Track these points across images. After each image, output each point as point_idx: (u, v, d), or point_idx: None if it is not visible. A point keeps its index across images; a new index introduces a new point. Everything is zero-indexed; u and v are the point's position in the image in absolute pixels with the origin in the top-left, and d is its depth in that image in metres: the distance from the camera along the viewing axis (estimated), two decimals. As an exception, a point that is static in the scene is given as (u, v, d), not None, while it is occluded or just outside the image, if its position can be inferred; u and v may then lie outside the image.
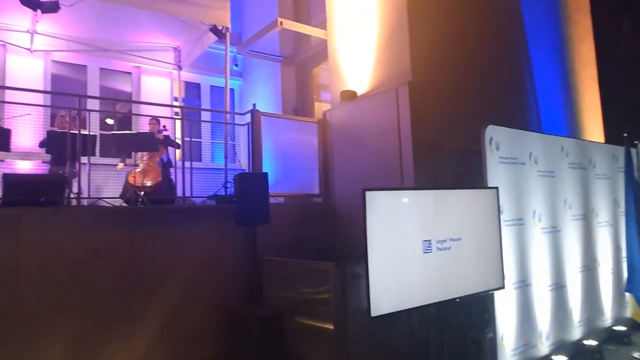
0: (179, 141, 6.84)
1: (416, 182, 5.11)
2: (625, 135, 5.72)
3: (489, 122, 4.71)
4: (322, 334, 4.52)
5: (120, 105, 9.09)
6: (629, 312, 6.43)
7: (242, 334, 4.93)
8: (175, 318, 4.94)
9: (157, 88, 8.99)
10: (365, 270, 3.51)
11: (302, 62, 8.68)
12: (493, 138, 4.69)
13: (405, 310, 3.79)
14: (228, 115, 6.91)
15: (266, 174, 5.52)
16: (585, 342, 5.42)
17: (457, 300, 4.17)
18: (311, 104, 8.60)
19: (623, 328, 5.98)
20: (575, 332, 5.50)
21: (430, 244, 3.90)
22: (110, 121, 8.47)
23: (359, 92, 6.19)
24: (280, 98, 8.63)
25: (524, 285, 4.85)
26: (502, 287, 4.43)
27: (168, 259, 5.03)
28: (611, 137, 8.61)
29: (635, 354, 5.34)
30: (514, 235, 4.83)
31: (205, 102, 9.77)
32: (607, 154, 6.64)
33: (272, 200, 5.63)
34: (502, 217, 4.59)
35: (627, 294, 5.90)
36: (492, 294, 4.42)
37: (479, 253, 4.28)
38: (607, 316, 6.15)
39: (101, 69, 8.56)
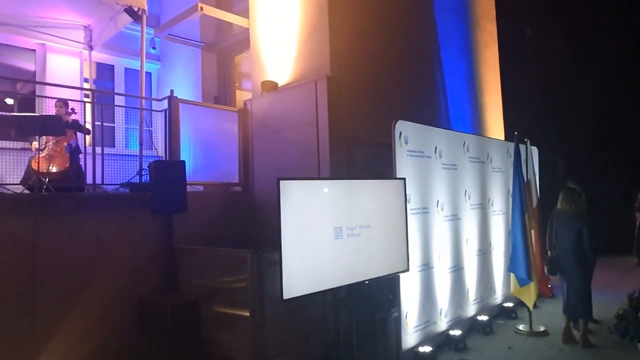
0: (89, 126, 6.47)
1: (332, 172, 5.34)
2: (515, 133, 6.40)
3: (400, 118, 5.05)
4: (238, 320, 4.59)
5: (21, 85, 8.35)
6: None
7: (157, 324, 4.86)
8: (85, 311, 4.72)
9: (65, 68, 8.37)
10: (279, 255, 3.66)
11: (224, 49, 8.55)
12: (402, 132, 5.04)
13: (317, 293, 4.01)
14: (144, 100, 6.66)
15: (183, 161, 5.46)
16: (479, 317, 6.05)
17: (366, 282, 4.48)
18: (233, 92, 8.51)
19: (511, 304, 6.74)
20: (471, 309, 6.11)
21: (341, 230, 4.14)
22: (10, 101, 7.75)
23: (280, 83, 6.29)
24: (200, 84, 8.44)
25: (427, 268, 5.31)
26: (407, 270, 4.82)
27: (77, 250, 4.80)
28: (509, 134, 9.54)
29: (520, 327, 6.06)
30: (419, 223, 5.25)
31: (119, 85, 9.25)
32: (502, 150, 7.38)
33: (190, 188, 5.57)
34: (409, 205, 4.98)
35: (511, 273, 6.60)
36: (398, 276, 4.79)
37: (387, 239, 4.62)
38: (498, 294, 6.90)
39: (-1, 44, 7.82)
